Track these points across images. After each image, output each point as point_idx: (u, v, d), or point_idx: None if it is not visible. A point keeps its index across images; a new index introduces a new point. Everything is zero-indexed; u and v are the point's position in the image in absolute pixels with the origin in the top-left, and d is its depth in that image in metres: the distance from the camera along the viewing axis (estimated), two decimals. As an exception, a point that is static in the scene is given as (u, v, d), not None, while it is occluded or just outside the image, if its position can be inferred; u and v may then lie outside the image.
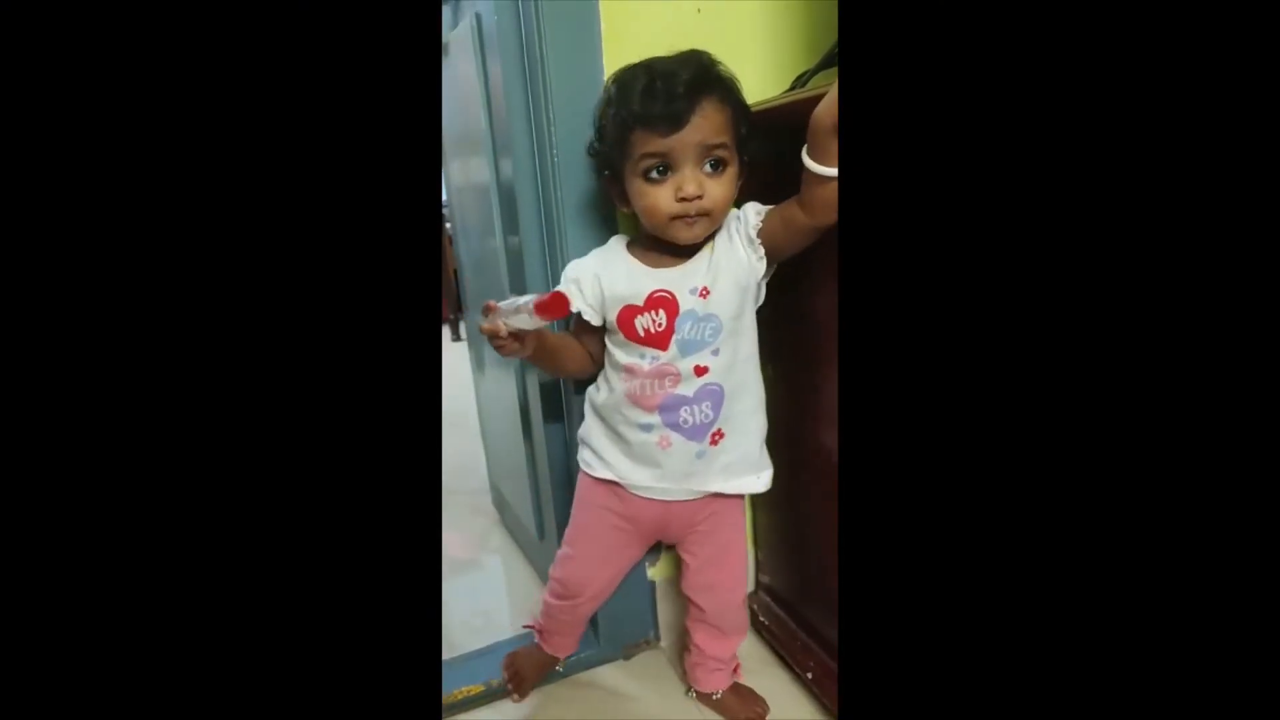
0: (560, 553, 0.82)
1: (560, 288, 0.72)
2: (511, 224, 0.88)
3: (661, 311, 0.67)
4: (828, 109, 0.54)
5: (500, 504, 1.40)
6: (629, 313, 0.69)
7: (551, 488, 0.97)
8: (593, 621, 0.98)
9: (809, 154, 0.58)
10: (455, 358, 2.03)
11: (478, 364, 1.34)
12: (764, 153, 0.68)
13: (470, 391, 1.43)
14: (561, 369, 0.76)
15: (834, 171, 0.57)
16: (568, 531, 0.82)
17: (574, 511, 0.81)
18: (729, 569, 0.80)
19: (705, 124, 0.62)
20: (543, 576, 1.15)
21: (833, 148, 0.56)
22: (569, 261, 0.78)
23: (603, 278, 0.70)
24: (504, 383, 1.08)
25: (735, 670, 0.87)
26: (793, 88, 0.79)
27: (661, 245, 0.69)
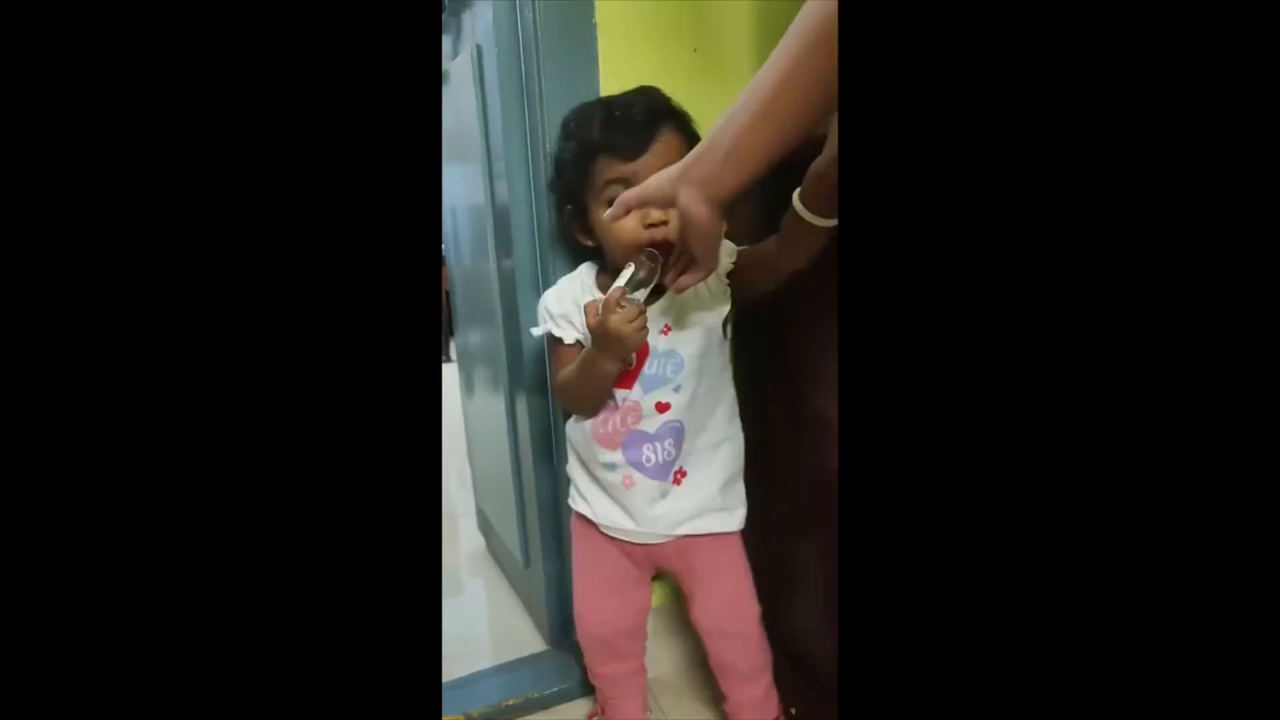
0: (575, 600, 0.80)
1: (548, 326, 0.71)
2: (505, 247, 0.89)
3: (633, 355, 0.67)
4: (829, 162, 0.53)
5: (486, 529, 1.39)
6: None
7: (539, 514, 0.96)
8: (572, 650, 0.97)
9: (803, 201, 0.57)
10: (445, 379, 2.03)
11: (467, 386, 1.34)
12: (750, 192, 0.68)
13: (459, 414, 1.43)
14: (606, 390, 0.69)
15: (826, 222, 0.56)
16: (574, 573, 0.80)
17: (574, 547, 0.80)
18: (733, 610, 0.76)
19: (666, 150, 0.63)
20: (528, 604, 1.14)
21: (826, 199, 0.55)
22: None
23: (587, 312, 0.67)
24: (493, 406, 1.08)
25: (779, 718, 0.81)
26: (785, 126, 0.81)
27: None
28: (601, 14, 0.76)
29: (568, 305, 0.71)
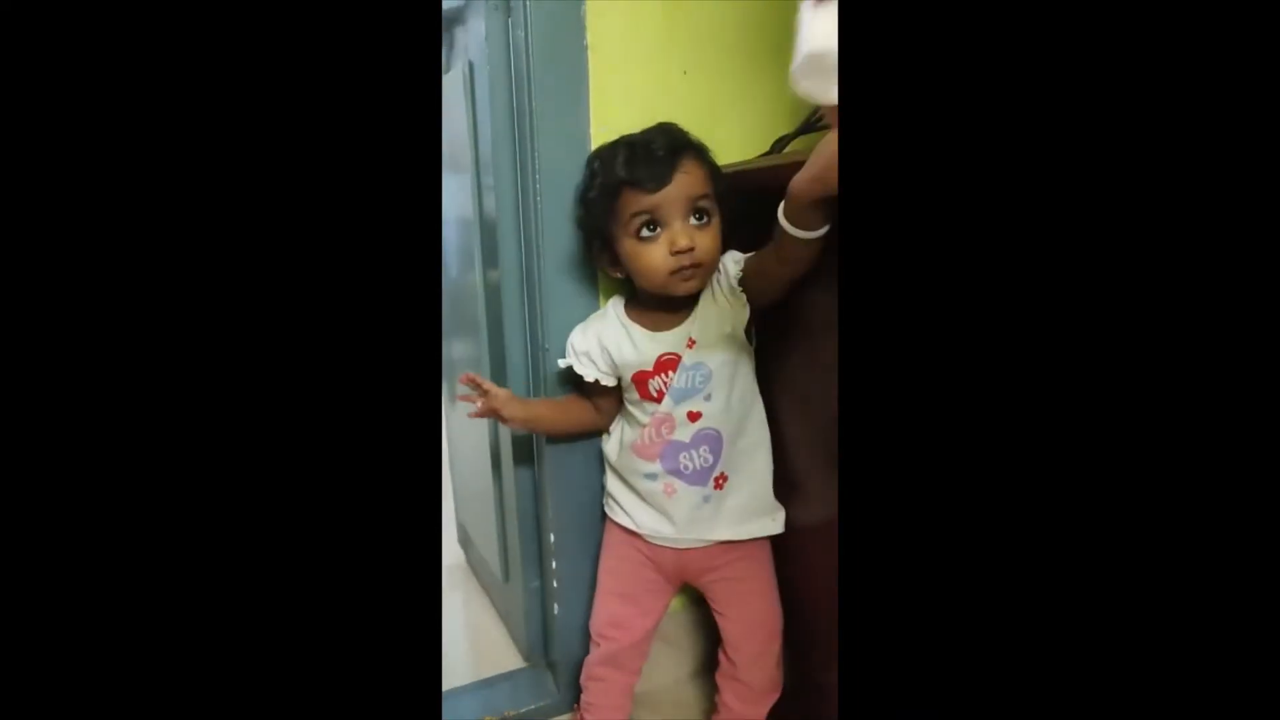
0: (595, 603, 0.83)
1: (570, 361, 0.77)
2: (492, 259, 0.89)
3: (670, 373, 0.72)
4: (807, 180, 0.56)
5: (465, 542, 1.37)
6: (641, 376, 0.74)
7: (519, 528, 0.96)
8: (551, 668, 0.96)
9: (785, 217, 0.60)
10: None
11: (450, 397, 1.33)
12: (743, 210, 0.70)
13: (441, 425, 1.42)
14: (558, 433, 0.82)
15: (808, 234, 0.59)
16: (598, 577, 0.83)
17: (601, 556, 0.83)
18: (758, 619, 0.78)
19: (688, 179, 0.67)
20: (506, 619, 1.13)
21: (807, 215, 0.58)
22: (546, 299, 0.81)
23: (610, 348, 0.75)
24: (474, 420, 1.07)
25: None
26: (771, 150, 0.83)
27: (658, 305, 0.73)
28: (593, 35, 0.78)
29: (591, 343, 0.76)
